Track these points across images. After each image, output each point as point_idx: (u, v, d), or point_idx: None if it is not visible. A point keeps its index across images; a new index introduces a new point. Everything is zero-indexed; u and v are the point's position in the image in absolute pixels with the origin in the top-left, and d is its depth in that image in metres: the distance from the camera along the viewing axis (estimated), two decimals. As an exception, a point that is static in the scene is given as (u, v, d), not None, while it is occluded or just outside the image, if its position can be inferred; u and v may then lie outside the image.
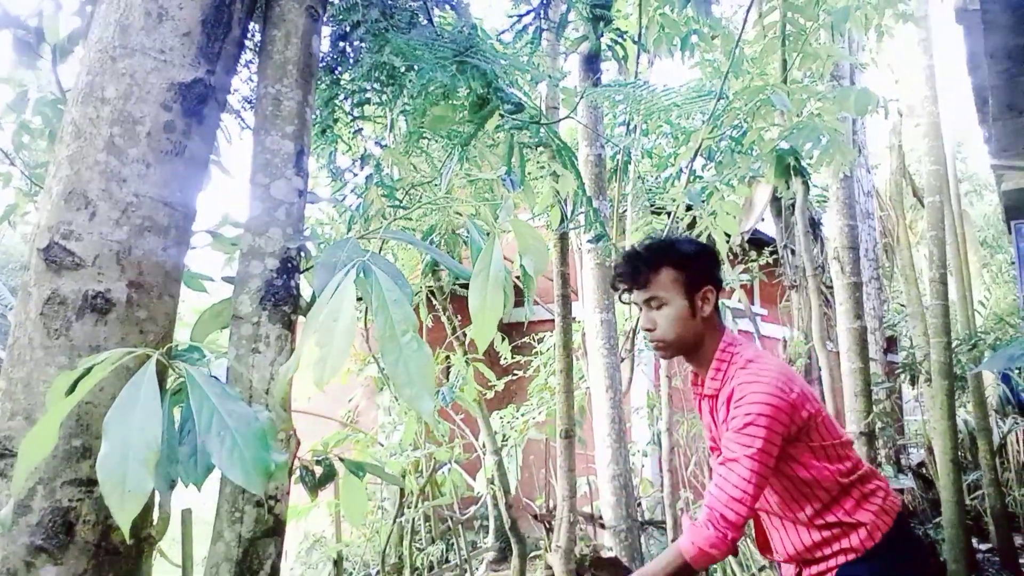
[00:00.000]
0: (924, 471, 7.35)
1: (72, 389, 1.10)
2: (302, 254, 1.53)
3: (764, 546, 1.97)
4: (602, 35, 3.15)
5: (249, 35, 1.90)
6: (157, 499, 1.44)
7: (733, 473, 1.65)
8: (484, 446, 5.03)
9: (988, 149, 5.12)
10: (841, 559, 1.76)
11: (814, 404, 1.76)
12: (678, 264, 1.82)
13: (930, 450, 6.62)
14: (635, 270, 1.85)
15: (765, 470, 1.65)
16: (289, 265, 1.46)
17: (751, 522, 1.91)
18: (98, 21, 1.43)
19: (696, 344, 1.84)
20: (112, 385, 1.25)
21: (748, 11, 3.85)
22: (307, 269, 1.58)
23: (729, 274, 5.61)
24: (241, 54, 1.68)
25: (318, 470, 1.80)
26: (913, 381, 6.86)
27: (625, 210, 5.53)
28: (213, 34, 1.48)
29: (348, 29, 2.28)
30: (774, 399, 1.66)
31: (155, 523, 1.49)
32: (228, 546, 1.35)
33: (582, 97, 3.54)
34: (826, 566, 1.78)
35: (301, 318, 1.46)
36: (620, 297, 1.99)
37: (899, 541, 1.77)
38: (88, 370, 1.10)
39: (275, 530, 1.40)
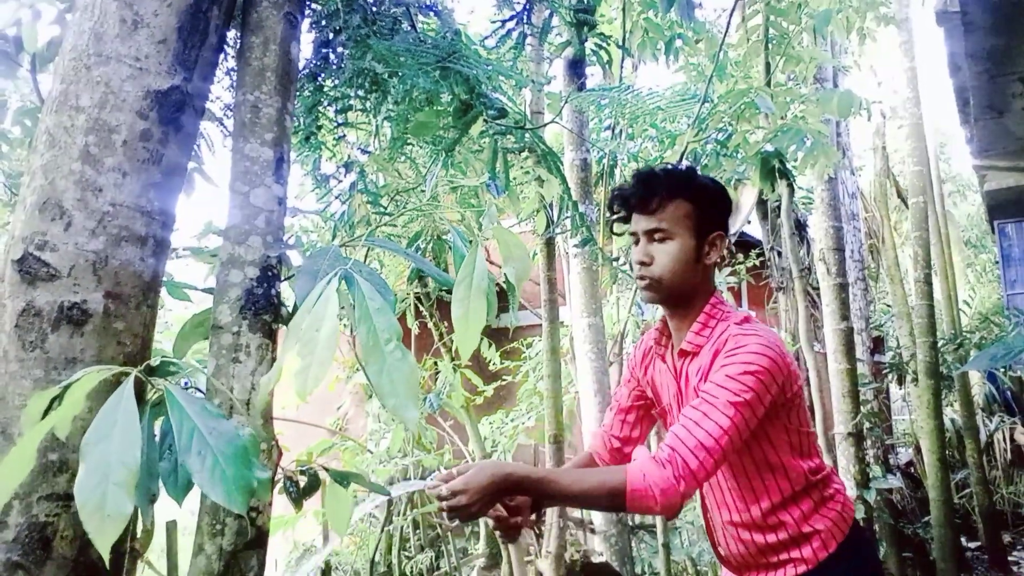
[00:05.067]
0: (912, 470, 7.39)
1: (48, 410, 1.08)
2: (283, 263, 1.51)
3: (714, 543, 1.79)
4: (586, 40, 3.15)
5: (231, 42, 1.89)
6: (139, 513, 1.42)
7: (709, 418, 1.40)
8: (473, 452, 5.01)
9: (970, 149, 5.17)
10: (791, 571, 1.60)
11: (800, 383, 1.58)
12: (696, 198, 1.59)
13: (918, 450, 6.66)
14: (648, 193, 1.59)
15: (744, 427, 1.43)
16: (269, 274, 1.45)
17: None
18: (72, 29, 1.41)
19: (689, 293, 1.62)
20: (90, 398, 1.23)
21: (731, 15, 3.87)
22: (288, 277, 1.56)
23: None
24: (220, 61, 1.67)
25: (302, 480, 1.78)
26: (900, 381, 6.90)
27: (612, 214, 5.50)
28: (190, 41, 1.46)
29: (330, 36, 2.27)
30: (774, 356, 1.47)
31: (139, 536, 1.47)
32: (209, 559, 1.32)
33: (566, 102, 3.54)
34: None
35: (283, 327, 1.44)
36: (611, 227, 1.70)
37: (852, 552, 1.63)
38: (66, 388, 1.08)
39: (257, 542, 1.38)
